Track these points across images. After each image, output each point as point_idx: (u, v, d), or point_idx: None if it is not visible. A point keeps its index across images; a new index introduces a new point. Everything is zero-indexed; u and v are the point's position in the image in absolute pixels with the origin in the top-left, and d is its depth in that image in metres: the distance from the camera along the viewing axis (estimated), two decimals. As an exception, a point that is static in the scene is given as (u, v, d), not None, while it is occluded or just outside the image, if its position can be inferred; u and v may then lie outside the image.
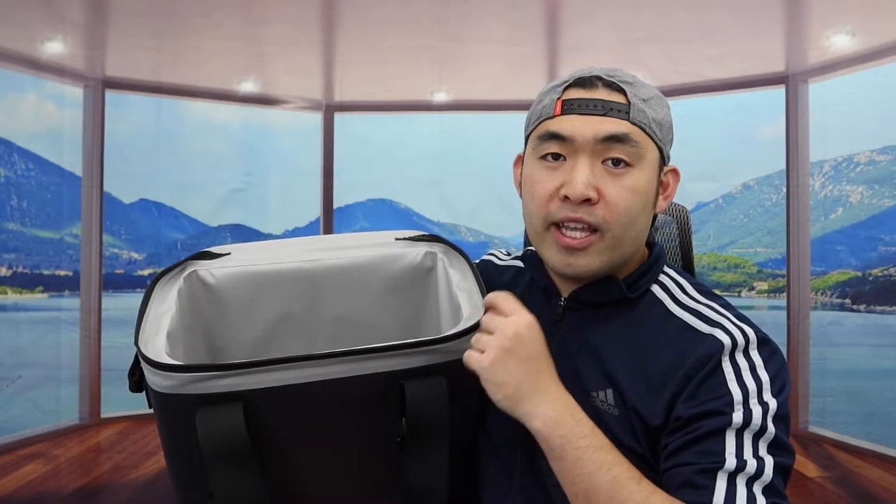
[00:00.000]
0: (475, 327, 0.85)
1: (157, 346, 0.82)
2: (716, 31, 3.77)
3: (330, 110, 5.05)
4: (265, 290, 1.01)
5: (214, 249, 1.02)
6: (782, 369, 0.87)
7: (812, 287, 4.63)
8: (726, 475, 0.79)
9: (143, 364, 0.81)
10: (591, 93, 0.89)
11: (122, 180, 4.88)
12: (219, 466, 0.77)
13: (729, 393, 0.83)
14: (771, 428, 0.81)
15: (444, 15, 3.65)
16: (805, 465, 3.63)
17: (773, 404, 0.83)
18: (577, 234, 0.89)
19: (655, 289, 0.95)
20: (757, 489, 0.78)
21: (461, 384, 0.86)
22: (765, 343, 0.88)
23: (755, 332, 0.88)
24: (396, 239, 1.05)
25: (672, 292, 0.94)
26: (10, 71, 4.14)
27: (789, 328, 4.24)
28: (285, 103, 5.02)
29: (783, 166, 4.39)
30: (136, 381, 0.87)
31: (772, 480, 0.79)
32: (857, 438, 3.95)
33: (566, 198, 0.88)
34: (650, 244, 1.00)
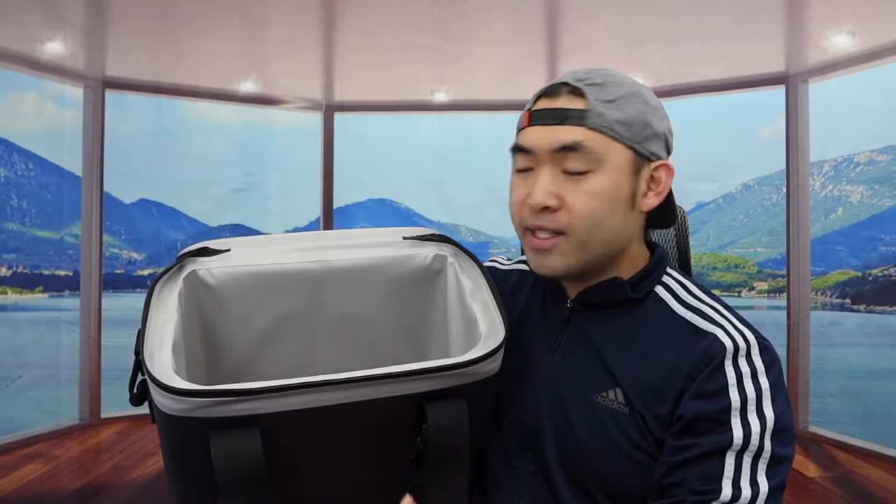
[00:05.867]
0: (499, 349, 0.85)
1: (163, 362, 0.79)
2: (716, 31, 3.77)
3: (330, 110, 5.05)
4: (267, 290, 0.98)
5: (213, 245, 0.98)
6: (780, 378, 0.89)
7: (812, 287, 4.63)
8: None
9: (150, 385, 0.78)
10: (553, 102, 0.92)
11: (122, 180, 4.88)
12: (232, 492, 0.75)
13: (728, 398, 0.84)
14: (768, 446, 0.83)
15: (444, 15, 3.64)
16: (805, 465, 3.63)
17: (770, 417, 0.84)
18: (545, 236, 0.92)
19: (659, 289, 0.96)
20: None
21: (478, 404, 0.87)
22: (765, 350, 0.89)
23: (756, 337, 0.89)
24: (404, 238, 1.02)
25: (676, 292, 0.95)
26: (10, 71, 4.14)
27: (789, 328, 4.24)
28: (285, 103, 5.02)
29: (783, 166, 4.39)
30: (138, 395, 0.84)
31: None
32: (857, 438, 3.95)
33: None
34: (652, 245, 1.01)
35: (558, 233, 0.91)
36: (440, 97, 4.98)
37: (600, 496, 0.89)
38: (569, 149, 0.89)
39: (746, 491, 0.81)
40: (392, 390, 0.78)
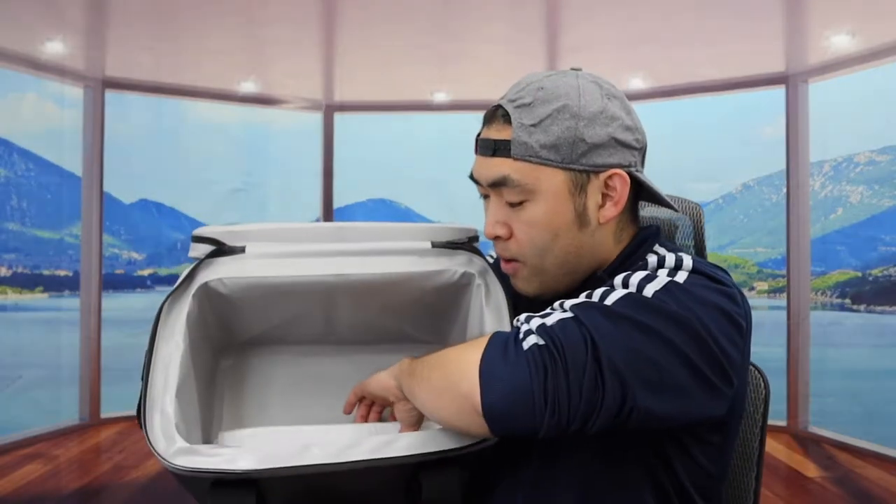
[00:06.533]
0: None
1: (166, 412, 0.81)
2: (716, 31, 3.77)
3: (330, 110, 5.04)
4: (282, 298, 0.98)
5: (229, 238, 0.94)
6: (708, 306, 0.79)
7: (812, 287, 4.64)
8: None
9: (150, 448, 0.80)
10: (487, 129, 0.91)
11: (122, 180, 4.90)
12: None
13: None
14: (606, 299, 0.78)
15: (444, 15, 3.64)
16: (805, 465, 3.63)
17: (632, 286, 0.80)
18: (508, 261, 0.94)
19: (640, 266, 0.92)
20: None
21: (474, 466, 0.88)
22: (701, 274, 0.82)
23: (695, 263, 0.84)
24: (433, 244, 0.99)
25: (658, 263, 0.90)
26: (10, 71, 4.14)
27: (789, 328, 4.23)
28: (285, 103, 5.01)
29: (783, 166, 4.38)
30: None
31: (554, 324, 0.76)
32: (857, 438, 3.94)
33: None
34: (644, 227, 0.96)
35: (515, 260, 0.92)
36: (440, 97, 4.98)
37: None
38: (499, 183, 0.89)
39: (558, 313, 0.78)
40: (389, 462, 0.81)
